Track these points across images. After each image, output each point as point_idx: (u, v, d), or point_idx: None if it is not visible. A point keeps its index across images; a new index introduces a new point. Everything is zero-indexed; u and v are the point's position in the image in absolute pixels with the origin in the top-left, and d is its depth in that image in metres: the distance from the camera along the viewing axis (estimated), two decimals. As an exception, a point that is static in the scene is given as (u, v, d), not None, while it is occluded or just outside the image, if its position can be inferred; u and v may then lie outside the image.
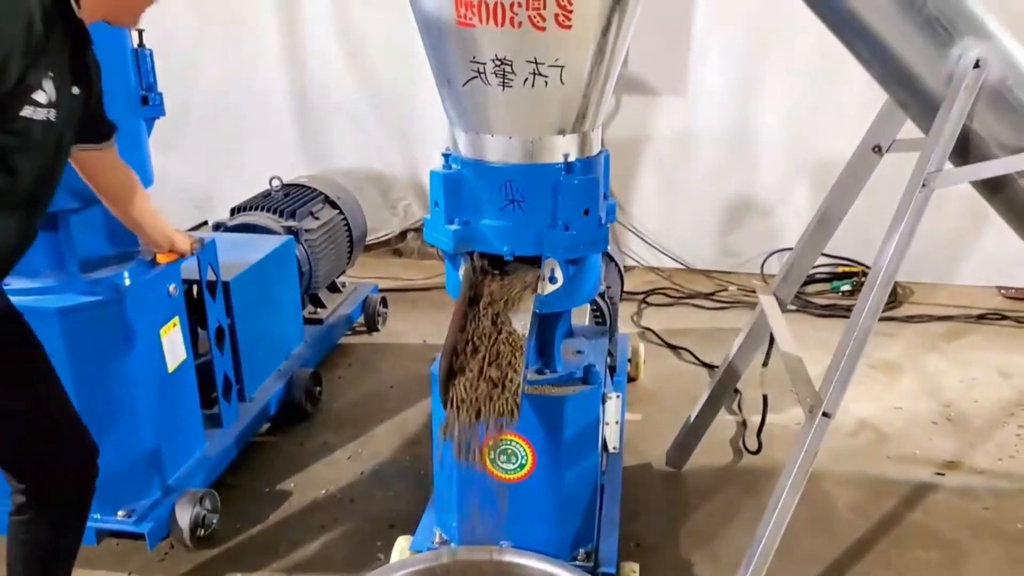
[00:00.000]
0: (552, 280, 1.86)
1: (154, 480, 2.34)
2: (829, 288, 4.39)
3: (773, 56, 4.25)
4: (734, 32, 4.24)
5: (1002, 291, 4.40)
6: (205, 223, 3.65)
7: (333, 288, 3.78)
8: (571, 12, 1.61)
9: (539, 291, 1.83)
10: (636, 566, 2.17)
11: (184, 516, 2.29)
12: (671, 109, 4.44)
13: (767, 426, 2.73)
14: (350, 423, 3.11)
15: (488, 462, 2.02)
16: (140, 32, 2.29)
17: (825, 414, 1.83)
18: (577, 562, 2.10)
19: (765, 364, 2.55)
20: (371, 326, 3.85)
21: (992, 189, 1.84)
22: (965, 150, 1.77)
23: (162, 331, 2.32)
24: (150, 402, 2.29)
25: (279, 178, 3.58)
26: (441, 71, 1.80)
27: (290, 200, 3.50)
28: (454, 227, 1.84)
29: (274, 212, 3.39)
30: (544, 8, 1.60)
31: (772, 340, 2.51)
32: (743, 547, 2.39)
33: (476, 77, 1.71)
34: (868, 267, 4.33)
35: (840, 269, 4.43)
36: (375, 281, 4.17)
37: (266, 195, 3.55)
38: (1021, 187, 1.78)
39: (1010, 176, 1.76)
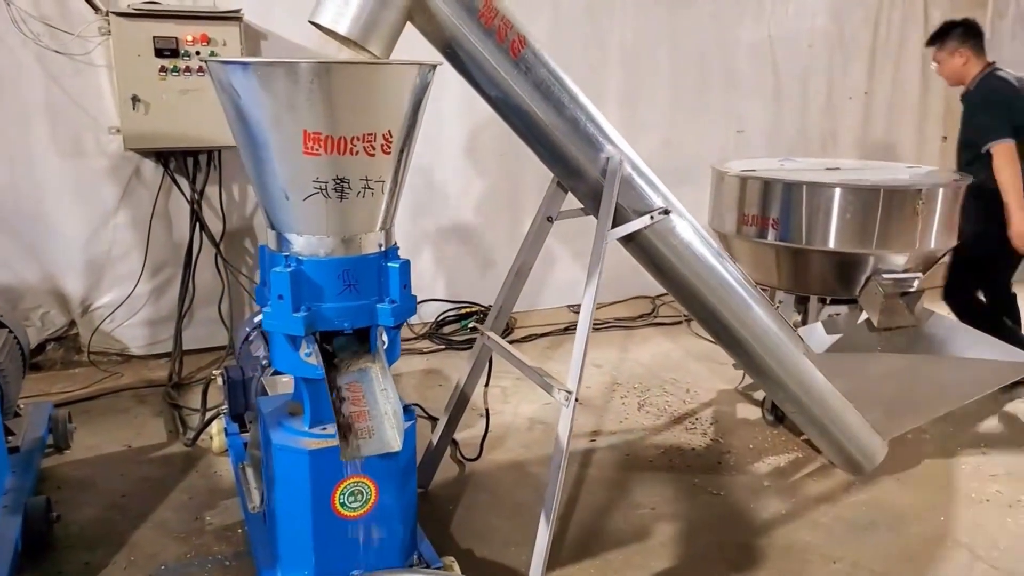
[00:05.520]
0: (382, 343, 2.38)
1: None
2: (460, 327, 5.39)
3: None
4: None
5: (570, 308, 5.90)
6: None
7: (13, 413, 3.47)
8: (391, 142, 2.20)
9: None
10: (452, 559, 2.74)
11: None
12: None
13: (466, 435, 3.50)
14: (102, 539, 3.01)
15: (338, 505, 2.42)
16: None
17: (577, 399, 2.66)
18: (413, 566, 2.60)
19: (487, 385, 3.34)
20: (62, 445, 3.62)
21: (628, 238, 2.89)
22: (616, 216, 2.79)
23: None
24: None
25: (-62, 303, 3.22)
26: (278, 188, 2.20)
27: (-44, 325, 3.19)
28: (301, 313, 2.23)
29: (-54, 340, 3.07)
30: (375, 141, 2.16)
31: (490, 366, 3.32)
32: (497, 527, 3.13)
33: (318, 192, 2.17)
34: (482, 305, 5.53)
35: (464, 311, 5.47)
36: (25, 399, 3.87)
37: (-78, 324, 3.17)
38: (645, 235, 2.86)
39: (640, 229, 2.82)
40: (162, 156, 4.38)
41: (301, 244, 2.26)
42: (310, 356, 2.31)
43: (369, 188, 2.21)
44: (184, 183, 4.45)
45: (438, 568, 2.62)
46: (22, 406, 3.61)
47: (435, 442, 3.36)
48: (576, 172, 2.76)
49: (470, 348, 5.10)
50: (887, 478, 3.61)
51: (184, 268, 4.52)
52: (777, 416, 4.10)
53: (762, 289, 4.13)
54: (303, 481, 2.37)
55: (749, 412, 4.29)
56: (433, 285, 5.42)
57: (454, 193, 5.39)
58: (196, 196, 4.46)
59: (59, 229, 4.37)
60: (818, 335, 3.81)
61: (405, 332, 5.25)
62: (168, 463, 3.60)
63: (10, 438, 3.30)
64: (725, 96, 6.08)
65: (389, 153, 2.20)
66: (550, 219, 3.09)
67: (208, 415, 3.75)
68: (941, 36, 4.41)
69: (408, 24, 2.40)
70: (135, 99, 4.04)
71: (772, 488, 3.54)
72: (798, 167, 4.32)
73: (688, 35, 5.84)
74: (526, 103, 2.57)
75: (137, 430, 3.91)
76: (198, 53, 4.08)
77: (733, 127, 6.19)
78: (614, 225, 2.79)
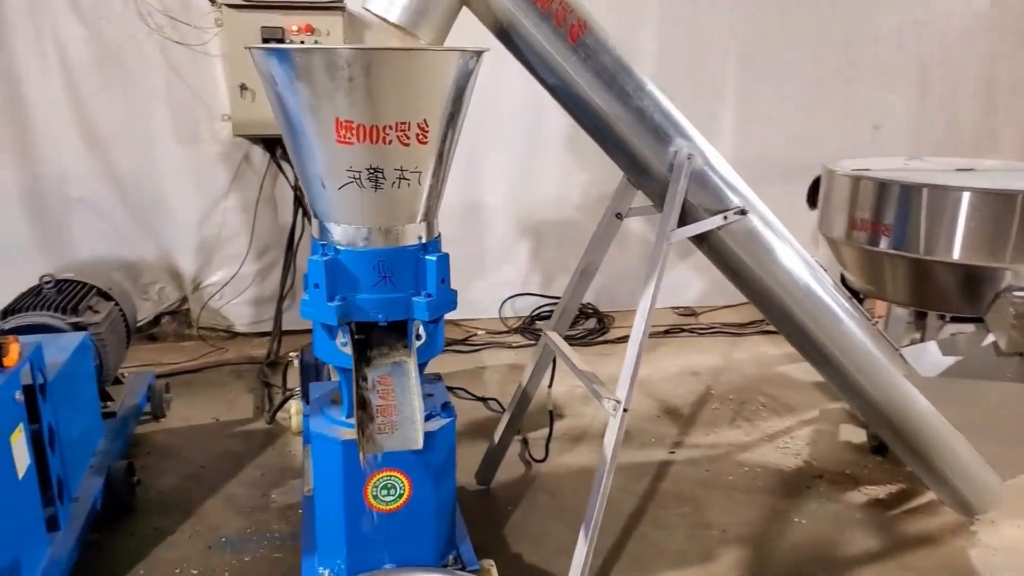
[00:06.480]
0: (418, 337, 2.32)
1: (14, 591, 2.30)
2: (555, 323, 5.28)
3: (491, 138, 5.05)
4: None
5: (675, 310, 5.66)
6: (-41, 330, 3.41)
7: (115, 380, 3.72)
8: (428, 132, 2.13)
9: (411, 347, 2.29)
10: (492, 562, 2.66)
11: (56, 621, 2.29)
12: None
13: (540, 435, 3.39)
14: (174, 506, 3.17)
15: (371, 497, 2.39)
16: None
17: (625, 409, 2.50)
18: (448, 567, 2.54)
19: (550, 386, 3.23)
20: (158, 413, 3.85)
21: (700, 239, 2.69)
22: (684, 214, 2.59)
23: (11, 438, 2.31)
24: (6, 512, 2.27)
25: (51, 275, 3.49)
26: (316, 176, 2.18)
27: (65, 296, 3.44)
28: (336, 303, 2.22)
29: (53, 309, 3.32)
30: (409, 130, 2.10)
31: (554, 366, 3.20)
32: (555, 533, 3.01)
33: (352, 182, 2.14)
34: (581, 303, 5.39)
35: (560, 306, 5.36)
36: (137, 369, 4.15)
37: (37, 292, 3.44)
38: (719, 236, 2.64)
39: (712, 229, 2.61)
40: (268, 143, 4.55)
41: (339, 233, 2.23)
42: (345, 345, 2.29)
43: (404, 179, 2.15)
44: (289, 169, 4.61)
45: (473, 571, 2.54)
46: (125, 374, 3.86)
47: (496, 440, 3.28)
48: (642, 167, 2.58)
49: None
50: (1007, 523, 3.19)
51: (287, 251, 4.69)
52: (884, 442, 3.72)
53: (874, 302, 3.79)
54: (336, 470, 2.36)
55: (853, 435, 3.92)
56: (529, 279, 5.35)
57: (555, 186, 5.28)
58: (299, 182, 4.60)
59: (175, 210, 4.66)
60: (932, 356, 3.40)
61: (496, 325, 5.23)
62: (249, 439, 3.74)
63: (108, 404, 3.54)
64: (860, 88, 5.58)
65: (426, 143, 2.13)
66: (619, 216, 2.94)
67: (286, 395, 3.87)
68: None
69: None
70: (243, 87, 4.21)
71: (865, 521, 3.20)
72: (924, 167, 3.89)
73: (817, 20, 5.39)
74: (585, 92, 2.43)
75: (229, 404, 4.09)
76: (302, 43, 4.20)
77: (868, 123, 5.69)
78: (683, 223, 2.60)
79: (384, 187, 2.14)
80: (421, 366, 2.42)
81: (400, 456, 2.33)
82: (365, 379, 2.20)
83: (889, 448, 3.68)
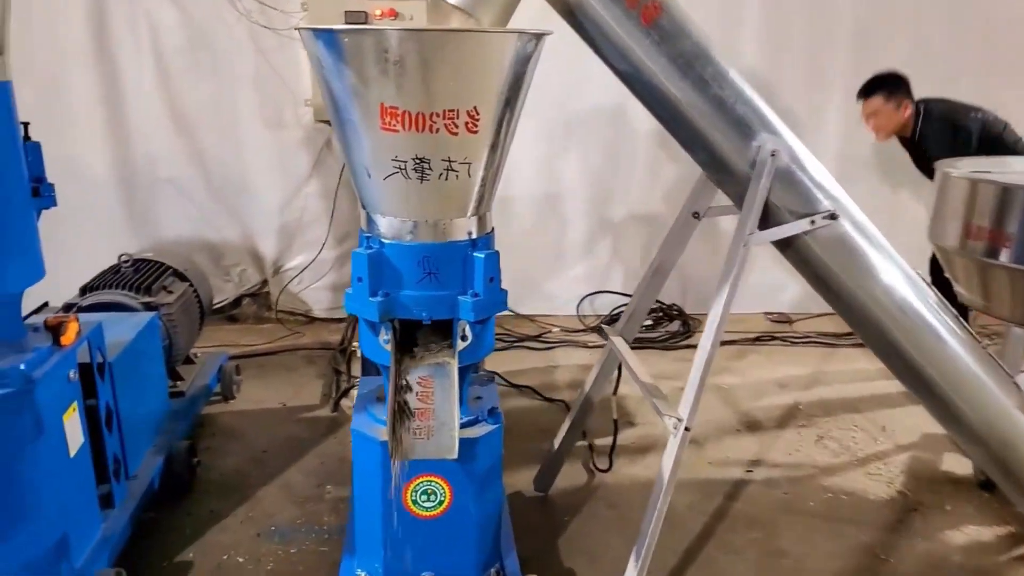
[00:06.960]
0: (463, 338, 2.19)
1: (63, 566, 2.31)
2: (636, 323, 5.05)
3: (573, 127, 4.88)
4: (543, 112, 4.80)
5: (767, 316, 5.32)
6: (45, 304, 3.52)
7: (187, 360, 3.78)
8: (478, 120, 1.98)
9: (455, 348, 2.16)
10: (538, 577, 2.51)
11: (99, 600, 2.30)
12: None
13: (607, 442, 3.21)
14: (233, 490, 3.17)
15: (410, 502, 2.28)
16: (26, 125, 2.33)
17: (687, 428, 2.30)
18: (488, 580, 2.41)
19: (614, 393, 3.04)
20: (227, 395, 3.89)
21: (784, 244, 2.43)
22: (766, 216, 2.35)
23: (64, 417, 2.33)
24: (57, 489, 2.29)
25: (128, 254, 3.56)
26: (361, 166, 2.08)
27: (141, 275, 3.50)
28: (378, 299, 2.11)
29: (128, 288, 3.38)
30: (457, 118, 1.95)
31: (619, 372, 3.01)
32: (613, 548, 2.82)
33: (397, 172, 2.02)
34: (662, 302, 5.13)
35: (642, 306, 5.12)
36: (214, 349, 4.21)
37: (115, 271, 3.52)
38: (805, 242, 2.38)
39: (798, 234, 2.36)
40: (350, 128, 4.52)
41: (384, 226, 2.13)
42: (388, 343, 2.18)
43: (452, 170, 2.02)
44: (369, 156, 4.58)
45: (516, 587, 2.41)
46: (199, 354, 3.92)
47: (556, 447, 3.13)
48: (721, 163, 2.36)
49: (640, 348, 4.83)
50: None
51: (365, 238, 4.65)
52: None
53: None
54: (375, 471, 2.26)
55: (957, 465, 3.54)
56: (609, 276, 5.13)
57: (640, 179, 5.03)
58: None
59: (259, 194, 4.71)
60: (1055, 385, 3.01)
61: (573, 323, 5.05)
62: (313, 426, 3.72)
63: (178, 383, 3.59)
64: (990, 81, 5.02)
65: (476, 132, 1.99)
66: (696, 215, 2.71)
67: (350, 384, 3.83)
68: (887, 87, 4.09)
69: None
70: (325, 72, 4.17)
71: (964, 566, 2.87)
72: (1057, 171, 3.45)
73: (947, 4, 4.91)
74: (659, 79, 2.23)
75: (298, 389, 4.10)
76: (385, 28, 4.13)
77: (996, 120, 5.14)
78: (765, 226, 2.36)
79: (431, 178, 2.02)
80: (468, 368, 2.30)
81: (441, 461, 2.21)
82: (404, 380, 2.08)
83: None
